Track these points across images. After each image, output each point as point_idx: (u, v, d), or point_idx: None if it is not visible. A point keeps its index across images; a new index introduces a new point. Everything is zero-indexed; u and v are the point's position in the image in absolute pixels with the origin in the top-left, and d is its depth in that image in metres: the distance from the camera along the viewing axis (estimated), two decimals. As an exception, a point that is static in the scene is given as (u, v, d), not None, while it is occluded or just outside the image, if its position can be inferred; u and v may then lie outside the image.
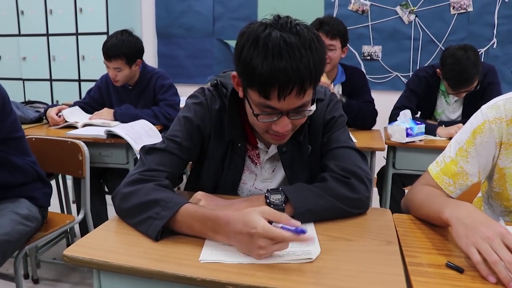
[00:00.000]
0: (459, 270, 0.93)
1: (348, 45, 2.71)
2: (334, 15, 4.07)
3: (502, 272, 0.86)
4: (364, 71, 4.05)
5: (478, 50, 3.90)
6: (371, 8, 4.04)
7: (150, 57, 4.56)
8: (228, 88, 1.27)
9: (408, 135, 2.25)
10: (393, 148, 2.39)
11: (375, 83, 4.11)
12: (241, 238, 0.95)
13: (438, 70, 2.61)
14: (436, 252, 1.01)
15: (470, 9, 3.91)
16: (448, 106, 2.74)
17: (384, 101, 3.18)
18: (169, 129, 1.32)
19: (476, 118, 1.23)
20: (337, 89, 2.72)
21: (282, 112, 1.09)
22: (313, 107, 1.14)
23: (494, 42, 3.92)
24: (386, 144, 2.33)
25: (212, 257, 0.95)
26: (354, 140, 2.25)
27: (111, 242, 1.06)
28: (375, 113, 2.70)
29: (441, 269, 0.94)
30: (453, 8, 3.93)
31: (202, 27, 4.45)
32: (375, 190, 2.81)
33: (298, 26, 1.07)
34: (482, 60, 3.89)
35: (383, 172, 2.66)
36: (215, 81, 1.33)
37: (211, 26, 4.42)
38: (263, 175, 1.37)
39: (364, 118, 2.64)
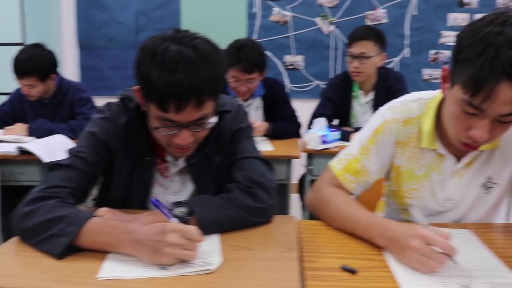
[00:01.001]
0: (352, 271, 0.98)
1: (269, 54, 2.75)
2: (257, 26, 4.15)
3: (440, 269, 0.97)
4: (288, 80, 4.19)
5: (392, 59, 4.15)
6: (292, 19, 4.15)
7: (72, 69, 4.42)
8: (134, 102, 1.27)
9: (323, 142, 2.33)
10: (310, 156, 2.45)
11: (298, 92, 4.22)
12: (150, 240, 0.97)
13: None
14: (333, 256, 1.06)
15: (385, 20, 4.12)
16: (360, 107, 2.88)
17: (306, 109, 3.26)
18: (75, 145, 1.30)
19: (377, 118, 1.32)
20: (257, 103, 2.76)
21: (181, 125, 1.11)
22: (214, 119, 1.16)
23: (407, 52, 4.16)
24: (303, 151, 2.40)
25: (110, 273, 0.95)
26: (272, 148, 2.34)
27: (8, 265, 1.02)
28: (299, 127, 2.78)
29: (336, 271, 0.99)
30: (369, 20, 4.13)
31: (125, 38, 4.37)
32: (296, 197, 2.88)
33: (197, 40, 1.09)
34: (397, 69, 4.14)
35: (303, 179, 2.74)
36: (122, 95, 1.32)
37: (134, 37, 4.36)
38: (173, 188, 1.37)
39: (291, 134, 2.71)
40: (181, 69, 1.03)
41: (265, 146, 2.37)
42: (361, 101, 2.86)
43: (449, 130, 1.15)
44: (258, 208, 1.20)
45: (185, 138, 1.13)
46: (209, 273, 0.95)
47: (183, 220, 1.11)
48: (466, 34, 1.02)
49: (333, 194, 1.29)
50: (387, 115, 1.29)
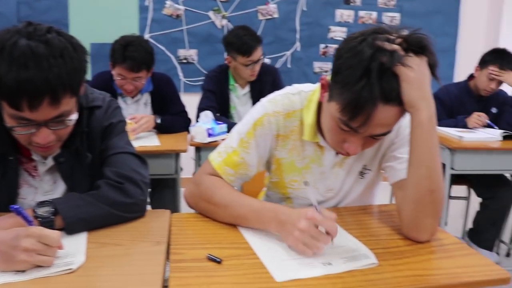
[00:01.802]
0: (217, 261, 1.01)
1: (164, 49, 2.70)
2: (149, 20, 4.08)
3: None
4: (182, 74, 4.17)
5: (285, 53, 4.29)
6: (185, 13, 4.13)
7: None
8: None
9: (209, 135, 2.34)
10: (198, 149, 2.45)
11: (192, 86, 4.21)
12: (3, 246, 0.92)
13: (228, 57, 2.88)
14: (200, 247, 1.08)
15: (276, 15, 4.25)
16: (238, 100, 2.99)
17: (200, 102, 3.29)
18: None
19: (257, 110, 1.31)
20: (145, 99, 2.71)
21: (39, 123, 1.07)
22: (75, 116, 1.13)
23: (298, 46, 4.32)
24: (191, 145, 2.40)
25: (-40, 283, 0.89)
26: (158, 143, 2.32)
27: None
28: (188, 122, 2.78)
29: (201, 262, 1.01)
30: (261, 14, 4.22)
31: (5, 30, 4.07)
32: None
33: (50, 34, 1.04)
34: (289, 62, 4.30)
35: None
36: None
37: (16, 29, 4.07)
38: (43, 188, 1.31)
39: (180, 129, 2.68)
40: (31, 65, 0.99)
41: (151, 141, 2.35)
42: (239, 93, 2.98)
43: (327, 137, 1.22)
44: (128, 204, 1.19)
45: (45, 137, 1.09)
46: (71, 272, 0.93)
47: (47, 220, 1.08)
48: (345, 54, 1.05)
49: (216, 184, 1.28)
50: (268, 107, 1.30)
